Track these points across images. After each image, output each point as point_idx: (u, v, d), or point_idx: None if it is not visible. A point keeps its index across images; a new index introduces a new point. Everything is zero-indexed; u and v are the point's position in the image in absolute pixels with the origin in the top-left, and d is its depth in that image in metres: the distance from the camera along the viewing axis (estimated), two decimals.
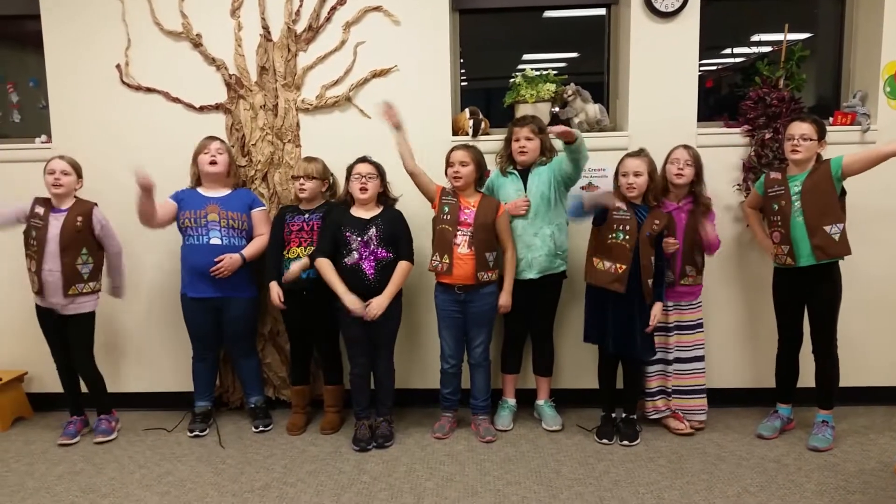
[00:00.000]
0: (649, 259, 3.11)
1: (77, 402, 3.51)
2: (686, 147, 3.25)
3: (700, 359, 3.35)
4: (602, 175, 3.53)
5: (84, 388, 3.51)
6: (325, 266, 3.19)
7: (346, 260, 3.17)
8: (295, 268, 3.28)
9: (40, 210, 3.26)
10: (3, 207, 3.29)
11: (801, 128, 3.08)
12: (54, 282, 3.23)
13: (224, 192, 3.43)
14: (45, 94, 3.67)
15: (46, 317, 3.35)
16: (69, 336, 3.39)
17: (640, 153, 3.19)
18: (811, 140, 3.06)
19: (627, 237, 3.11)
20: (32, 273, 3.26)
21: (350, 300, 3.14)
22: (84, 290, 3.30)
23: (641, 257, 3.09)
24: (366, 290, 3.17)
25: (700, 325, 3.36)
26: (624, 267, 3.11)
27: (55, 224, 3.24)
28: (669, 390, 3.37)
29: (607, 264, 3.16)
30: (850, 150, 3.42)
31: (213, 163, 3.37)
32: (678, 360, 3.35)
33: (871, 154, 3.02)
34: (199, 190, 3.42)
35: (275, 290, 3.33)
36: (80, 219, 3.26)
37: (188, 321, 3.48)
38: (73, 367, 3.45)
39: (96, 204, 3.36)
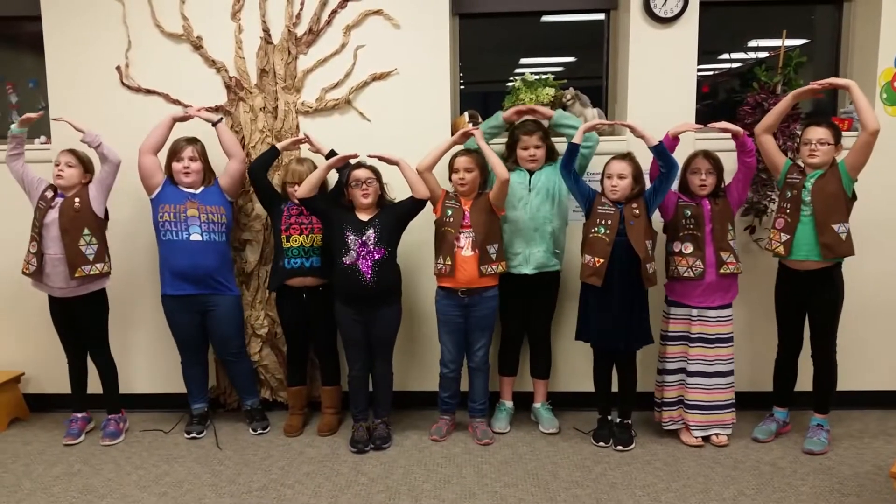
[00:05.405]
0: (644, 244, 3.09)
1: (82, 399, 3.51)
2: (706, 154, 3.18)
3: (722, 374, 3.23)
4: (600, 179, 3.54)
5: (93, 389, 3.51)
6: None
7: (343, 259, 3.18)
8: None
9: (49, 193, 3.28)
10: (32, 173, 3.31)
11: (817, 132, 3.06)
12: (59, 266, 3.22)
13: (201, 188, 3.37)
14: (44, 95, 3.67)
15: (56, 308, 3.36)
16: (81, 319, 3.37)
17: (626, 156, 3.19)
18: (828, 144, 3.05)
19: (608, 231, 3.11)
20: (31, 254, 3.24)
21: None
22: (91, 272, 3.26)
23: (635, 245, 3.07)
24: (363, 290, 3.17)
25: (723, 340, 3.23)
26: (601, 261, 3.11)
27: (55, 207, 3.24)
28: (688, 402, 3.27)
29: (587, 258, 3.17)
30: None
31: (186, 173, 3.31)
32: (699, 374, 3.24)
33: (858, 139, 3.00)
34: (179, 185, 3.36)
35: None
36: (77, 200, 3.23)
37: (171, 324, 3.43)
38: (89, 355, 3.44)
39: (90, 180, 3.34)
